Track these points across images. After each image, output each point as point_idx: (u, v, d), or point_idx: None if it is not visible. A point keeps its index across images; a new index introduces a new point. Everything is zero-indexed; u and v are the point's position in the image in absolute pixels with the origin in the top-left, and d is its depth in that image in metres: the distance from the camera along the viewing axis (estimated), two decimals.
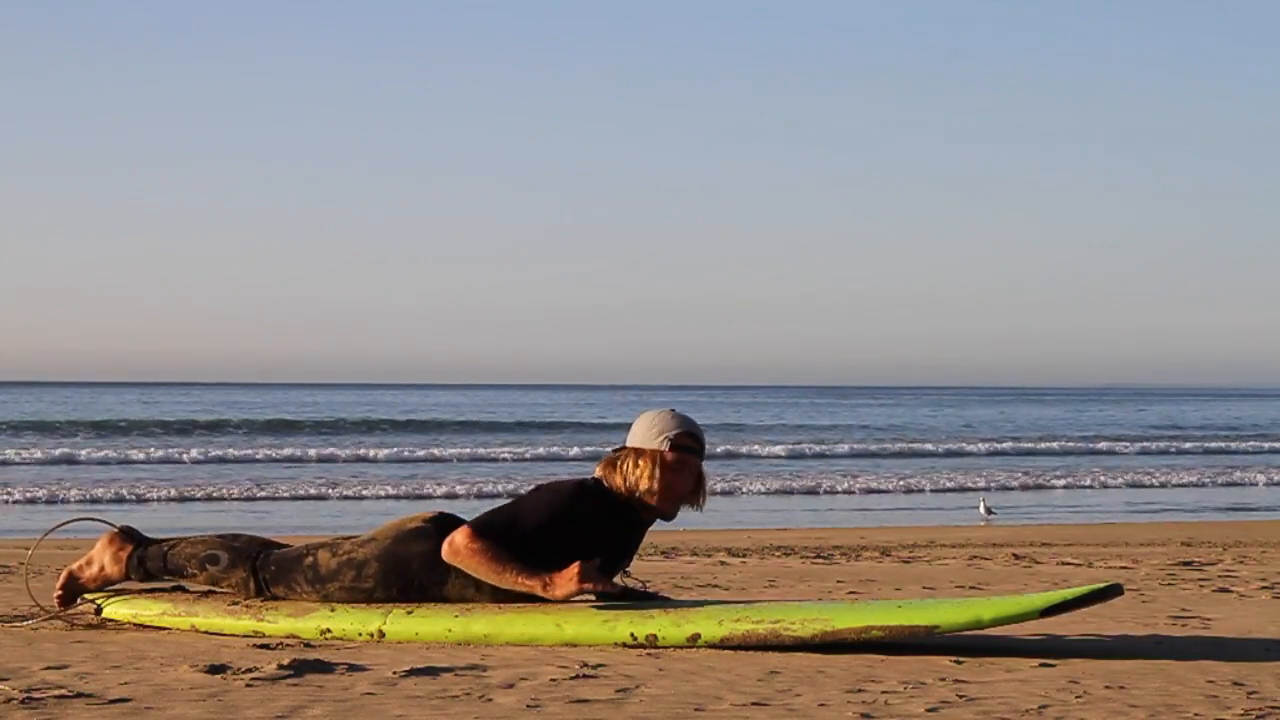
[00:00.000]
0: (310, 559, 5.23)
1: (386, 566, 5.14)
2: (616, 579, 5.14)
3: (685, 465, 5.07)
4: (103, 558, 5.47)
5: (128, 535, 5.51)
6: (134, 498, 20.16)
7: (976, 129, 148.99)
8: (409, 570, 5.13)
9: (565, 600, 4.94)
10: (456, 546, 4.98)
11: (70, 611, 5.55)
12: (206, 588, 5.44)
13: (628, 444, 5.13)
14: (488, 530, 4.99)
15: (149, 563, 5.40)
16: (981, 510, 17.44)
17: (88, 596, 5.58)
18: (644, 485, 5.05)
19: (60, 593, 5.52)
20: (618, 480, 5.09)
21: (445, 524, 5.13)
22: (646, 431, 5.10)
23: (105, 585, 5.48)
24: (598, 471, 5.15)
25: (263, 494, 21.00)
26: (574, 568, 4.90)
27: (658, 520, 5.16)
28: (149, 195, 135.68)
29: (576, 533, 5.01)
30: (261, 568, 5.28)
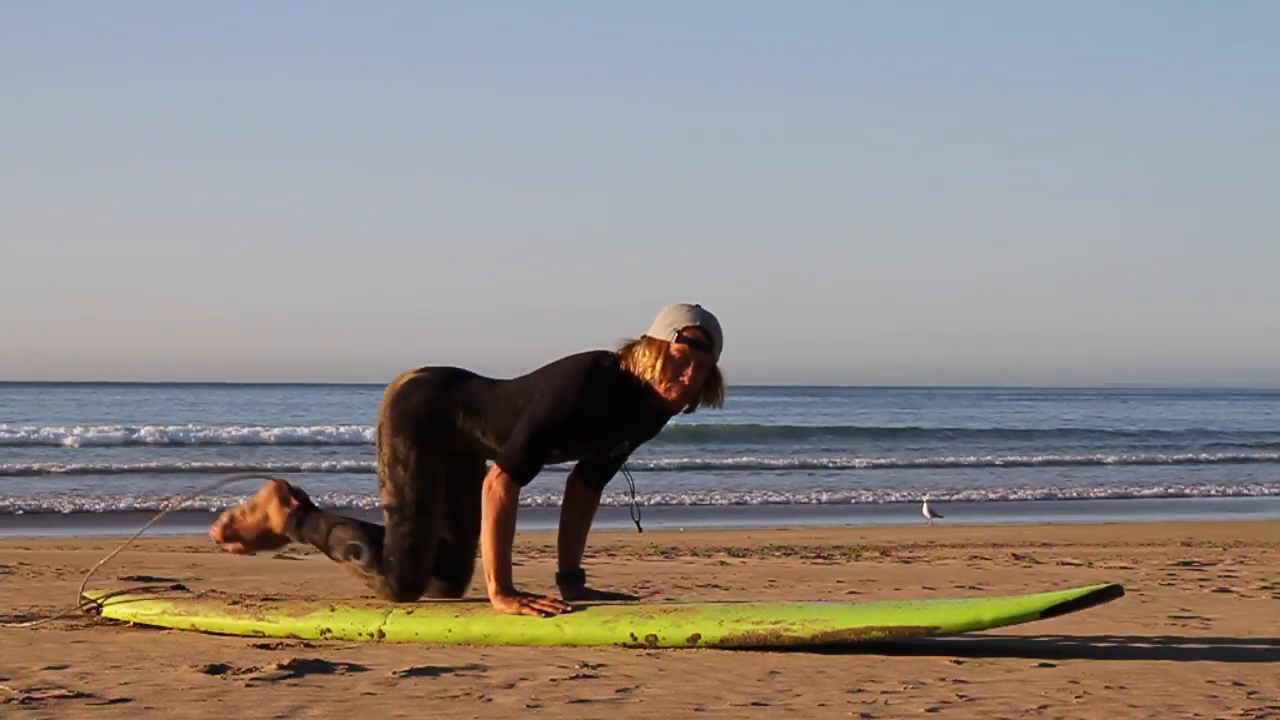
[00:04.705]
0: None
1: (402, 442, 5.16)
2: (613, 452, 5.18)
3: (691, 359, 5.00)
4: (267, 507, 5.38)
5: (293, 492, 5.41)
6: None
7: (976, 129, 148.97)
8: (418, 421, 5.16)
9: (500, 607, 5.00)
10: (493, 490, 4.99)
11: (68, 612, 5.55)
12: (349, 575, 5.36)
13: (647, 332, 5.09)
14: (519, 472, 4.99)
15: (306, 527, 5.32)
16: (925, 513, 17.69)
17: (88, 595, 5.58)
18: (649, 375, 5.01)
19: (219, 535, 5.45)
20: (630, 365, 5.05)
21: (444, 371, 5.23)
22: (661, 322, 5.06)
23: (263, 537, 5.40)
24: (618, 350, 5.10)
25: None
26: (518, 602, 4.98)
27: (674, 414, 5.11)
28: (148, 195, 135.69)
29: (586, 418, 5.00)
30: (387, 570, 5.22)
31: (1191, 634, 5.52)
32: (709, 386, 5.07)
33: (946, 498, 21.96)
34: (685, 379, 5.00)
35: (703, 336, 5.02)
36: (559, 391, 5.01)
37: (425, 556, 5.20)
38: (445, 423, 5.17)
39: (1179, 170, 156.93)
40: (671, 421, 5.24)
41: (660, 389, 5.01)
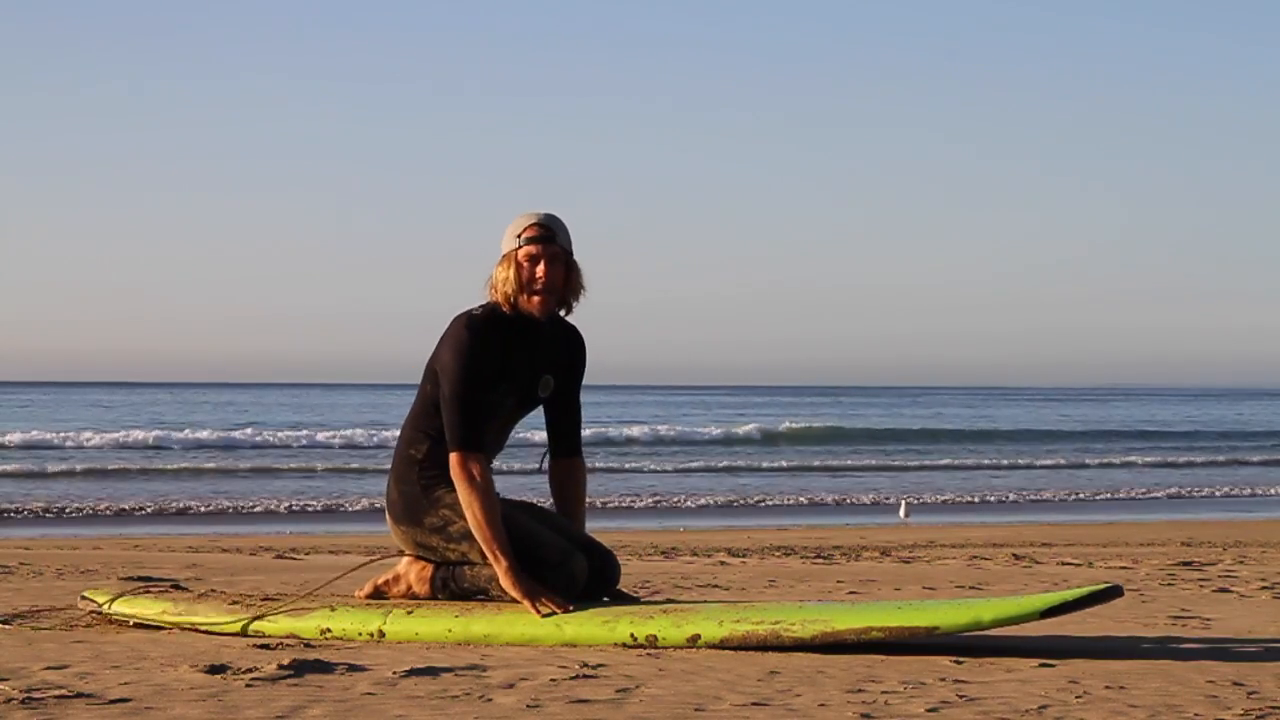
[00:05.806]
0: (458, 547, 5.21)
1: (419, 529, 5.20)
2: (541, 391, 5.21)
3: (541, 256, 5.07)
4: (408, 577, 5.35)
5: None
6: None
7: (976, 129, 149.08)
8: (406, 505, 5.22)
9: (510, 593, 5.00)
10: (461, 475, 5.03)
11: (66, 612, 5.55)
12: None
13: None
14: (467, 442, 5.04)
15: (454, 583, 5.26)
16: (901, 514, 17.99)
17: (88, 595, 5.59)
18: (511, 287, 5.07)
19: (363, 599, 5.41)
20: (495, 295, 5.11)
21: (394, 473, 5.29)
22: (505, 238, 5.13)
23: (411, 600, 5.34)
24: (484, 295, 5.16)
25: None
26: (528, 597, 4.95)
27: (554, 315, 5.14)
28: (149, 195, 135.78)
29: (490, 368, 5.07)
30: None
31: (1191, 634, 5.52)
32: (568, 279, 5.13)
33: (946, 499, 21.97)
34: (541, 276, 5.06)
35: (542, 230, 5.09)
36: (454, 354, 5.07)
37: (547, 546, 5.09)
38: (423, 481, 5.20)
39: (1181, 170, 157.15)
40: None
41: (525, 299, 5.07)
